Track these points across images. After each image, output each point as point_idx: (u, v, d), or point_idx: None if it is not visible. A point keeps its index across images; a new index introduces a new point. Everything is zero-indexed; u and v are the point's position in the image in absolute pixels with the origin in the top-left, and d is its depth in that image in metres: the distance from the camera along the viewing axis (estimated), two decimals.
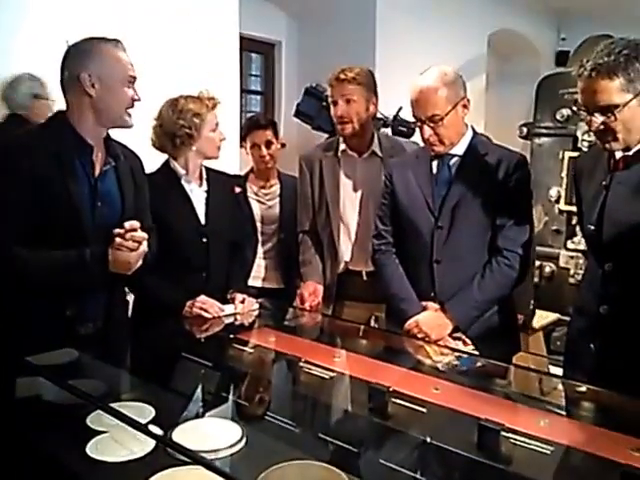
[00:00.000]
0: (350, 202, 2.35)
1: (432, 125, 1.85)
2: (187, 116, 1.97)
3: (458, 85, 1.87)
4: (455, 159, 1.93)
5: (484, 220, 1.88)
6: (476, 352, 1.78)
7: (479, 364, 1.68)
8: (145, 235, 1.62)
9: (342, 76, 2.22)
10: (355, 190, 2.35)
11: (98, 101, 1.62)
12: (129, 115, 1.67)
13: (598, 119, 1.49)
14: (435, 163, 1.96)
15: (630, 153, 1.55)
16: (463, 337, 1.84)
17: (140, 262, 1.64)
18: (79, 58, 1.61)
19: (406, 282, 1.96)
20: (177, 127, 1.97)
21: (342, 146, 2.34)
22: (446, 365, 1.60)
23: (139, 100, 1.68)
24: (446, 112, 1.83)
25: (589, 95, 1.49)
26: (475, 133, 1.97)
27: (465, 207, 1.88)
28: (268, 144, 2.68)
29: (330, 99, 2.28)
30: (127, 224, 1.58)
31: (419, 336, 1.85)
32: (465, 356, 1.71)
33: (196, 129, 1.98)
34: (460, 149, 1.93)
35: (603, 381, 1.45)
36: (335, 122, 2.28)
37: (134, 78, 1.67)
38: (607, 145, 1.54)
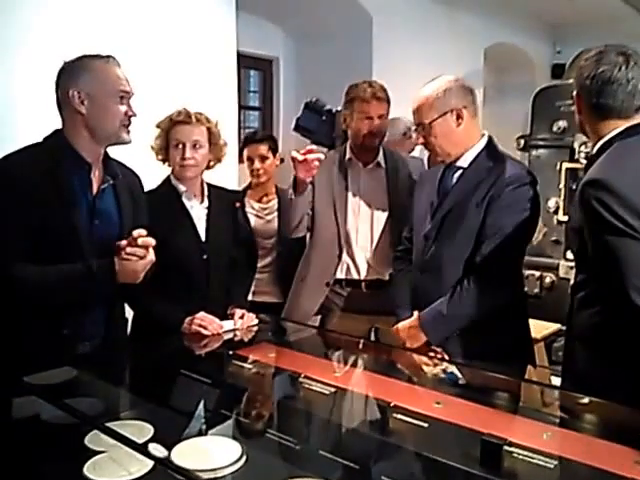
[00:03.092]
0: (352, 211, 2.37)
1: (423, 134, 1.87)
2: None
3: (451, 94, 1.83)
4: (459, 171, 1.91)
5: (468, 234, 1.81)
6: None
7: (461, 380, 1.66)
8: (153, 240, 1.58)
9: (380, 95, 2.31)
10: (358, 199, 2.38)
11: (90, 118, 1.61)
12: (126, 131, 1.65)
13: None
14: (444, 174, 1.95)
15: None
16: (438, 350, 1.80)
17: (146, 269, 1.60)
18: (69, 75, 1.61)
19: (405, 288, 1.99)
20: None
21: (348, 155, 2.39)
22: (435, 376, 1.59)
23: (134, 115, 1.66)
24: (430, 121, 1.83)
25: None
26: (487, 146, 1.89)
27: (453, 219, 1.86)
28: (262, 158, 2.70)
29: (360, 114, 2.31)
30: (135, 232, 1.56)
31: (400, 343, 1.86)
32: (454, 368, 1.70)
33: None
34: (465, 161, 1.88)
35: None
36: (361, 135, 2.32)
37: (127, 93, 1.64)
38: None
